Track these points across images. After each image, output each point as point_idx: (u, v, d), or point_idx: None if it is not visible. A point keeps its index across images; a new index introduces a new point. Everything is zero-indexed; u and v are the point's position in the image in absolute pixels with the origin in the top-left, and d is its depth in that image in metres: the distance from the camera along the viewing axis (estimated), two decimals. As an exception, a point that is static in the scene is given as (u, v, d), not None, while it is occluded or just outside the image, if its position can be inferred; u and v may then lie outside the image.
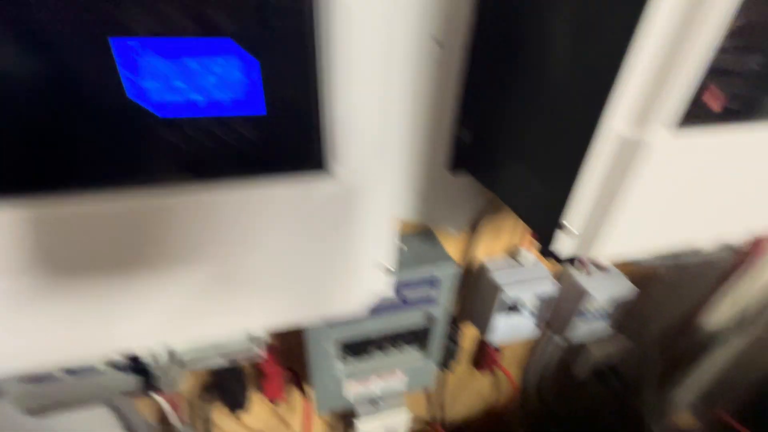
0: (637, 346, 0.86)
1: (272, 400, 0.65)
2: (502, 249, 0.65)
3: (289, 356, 0.63)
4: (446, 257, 0.51)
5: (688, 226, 0.37)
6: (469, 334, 0.77)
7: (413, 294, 0.50)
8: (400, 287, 0.49)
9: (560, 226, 0.36)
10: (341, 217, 0.27)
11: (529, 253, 0.63)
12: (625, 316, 0.78)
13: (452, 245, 0.61)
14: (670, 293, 0.83)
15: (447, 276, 0.50)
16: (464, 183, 0.53)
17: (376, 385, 0.62)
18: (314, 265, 0.29)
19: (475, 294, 0.66)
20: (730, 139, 0.31)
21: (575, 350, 0.88)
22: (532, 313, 0.66)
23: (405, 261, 0.50)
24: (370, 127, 0.25)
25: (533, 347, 0.85)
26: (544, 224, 0.38)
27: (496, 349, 0.76)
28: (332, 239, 0.28)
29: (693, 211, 0.35)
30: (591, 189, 0.33)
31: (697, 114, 0.29)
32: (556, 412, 0.98)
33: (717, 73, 0.27)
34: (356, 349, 0.57)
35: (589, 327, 0.72)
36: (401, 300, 0.51)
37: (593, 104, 0.29)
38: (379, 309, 0.50)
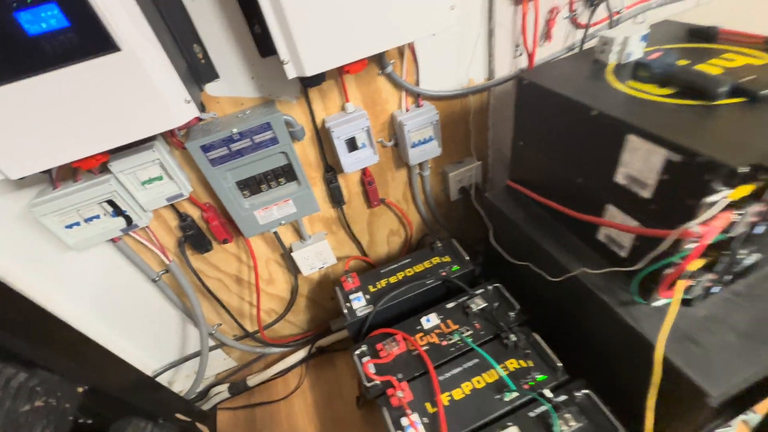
0: (483, 164, 1.16)
1: (222, 241, 1.03)
2: (337, 107, 0.95)
3: (224, 210, 0.99)
4: (275, 111, 0.83)
5: (335, 46, 0.66)
6: (352, 179, 1.10)
7: (260, 138, 0.83)
8: (249, 135, 0.82)
9: (282, 62, 0.67)
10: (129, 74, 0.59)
11: (351, 104, 0.93)
12: (453, 140, 1.08)
13: (297, 110, 0.92)
14: (494, 118, 1.11)
15: (276, 120, 0.82)
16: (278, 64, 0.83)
17: (276, 212, 0.97)
18: (130, 101, 0.61)
19: (327, 143, 0.98)
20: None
21: (443, 177, 1.20)
22: (367, 144, 0.98)
23: (249, 119, 0.82)
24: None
25: (408, 182, 1.18)
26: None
27: (370, 183, 1.09)
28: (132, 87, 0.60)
29: (331, 32, 0.64)
30: (278, 38, 0.63)
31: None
32: (449, 229, 1.33)
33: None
34: (251, 188, 0.92)
35: (422, 149, 1.04)
36: (255, 144, 0.84)
37: None
38: (243, 152, 0.84)
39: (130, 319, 1.12)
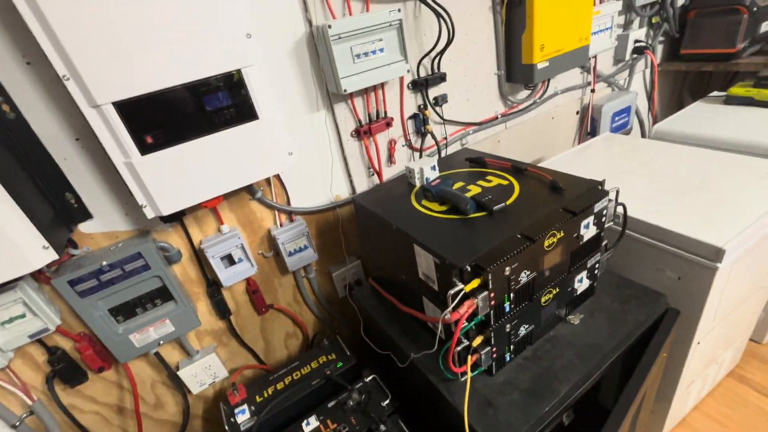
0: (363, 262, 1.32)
1: (98, 370, 1.01)
2: (213, 229, 1.07)
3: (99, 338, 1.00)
4: (147, 241, 0.93)
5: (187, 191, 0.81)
6: (237, 290, 1.18)
7: (131, 266, 0.91)
8: (119, 265, 0.90)
9: (141, 206, 0.80)
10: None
11: (226, 226, 1.07)
12: (325, 246, 1.24)
13: (174, 236, 1.02)
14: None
15: (147, 249, 0.92)
16: (152, 200, 0.95)
17: (154, 333, 1.00)
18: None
19: (207, 261, 1.07)
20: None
21: (328, 276, 1.33)
22: (244, 259, 1.09)
23: (120, 251, 0.91)
24: None
25: (296, 285, 1.28)
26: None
27: (254, 291, 1.17)
28: None
29: (182, 181, 0.80)
30: (134, 190, 0.76)
31: (144, 146, 0.74)
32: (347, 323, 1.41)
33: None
34: (124, 313, 0.96)
35: (300, 256, 1.17)
36: (126, 272, 0.91)
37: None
38: (114, 281, 0.90)
39: (-21, 479, 0.99)
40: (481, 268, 0.63)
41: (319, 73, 1.06)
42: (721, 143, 1.26)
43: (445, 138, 1.35)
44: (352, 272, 1.33)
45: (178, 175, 0.79)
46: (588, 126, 1.74)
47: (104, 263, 0.88)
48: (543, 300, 0.76)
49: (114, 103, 0.70)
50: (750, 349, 1.43)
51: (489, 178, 0.90)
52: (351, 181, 1.24)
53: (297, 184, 1.15)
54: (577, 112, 1.73)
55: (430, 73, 1.23)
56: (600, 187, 0.78)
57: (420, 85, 1.21)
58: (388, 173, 1.28)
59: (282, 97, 1.04)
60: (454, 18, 1.20)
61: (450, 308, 0.63)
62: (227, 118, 0.80)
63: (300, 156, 1.12)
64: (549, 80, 1.52)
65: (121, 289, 0.93)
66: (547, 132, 1.65)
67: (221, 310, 1.15)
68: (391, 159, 1.27)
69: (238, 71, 0.78)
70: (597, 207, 0.75)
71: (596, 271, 0.85)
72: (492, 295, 0.65)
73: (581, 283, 0.82)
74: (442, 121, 1.32)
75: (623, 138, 1.36)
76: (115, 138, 0.72)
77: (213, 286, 1.12)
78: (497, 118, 1.45)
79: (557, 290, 0.78)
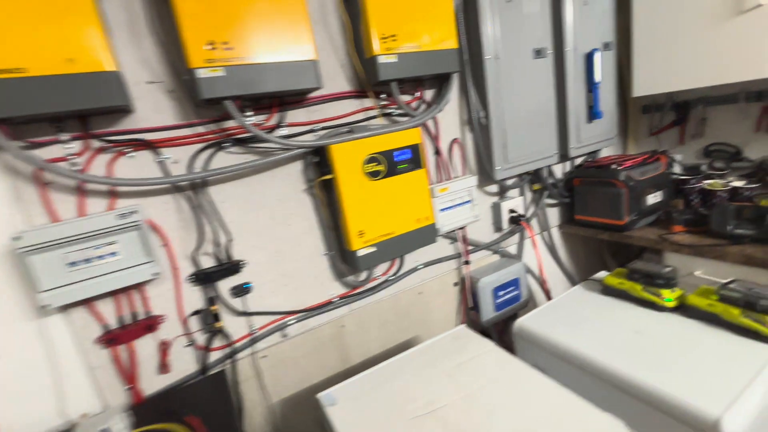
0: None
1: None
2: None
3: None
4: None
5: None
6: None
7: None
8: None
9: None
10: None
11: None
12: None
13: None
14: None
15: None
16: None
17: None
18: None
19: None
20: None
21: None
22: None
23: None
24: None
25: None
26: None
27: None
28: None
29: None
30: None
31: None
32: None
33: None
34: None
35: None
36: None
37: None
38: None
39: None
40: None
41: (39, 277, 0.88)
42: (574, 360, 0.98)
43: (251, 333, 1.11)
44: None
45: None
46: (470, 300, 1.50)
47: None
48: None
49: None
50: None
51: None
52: (103, 397, 0.97)
53: (9, 410, 0.89)
54: (456, 284, 1.51)
55: (217, 263, 1.05)
56: None
57: (203, 279, 1.02)
58: (163, 382, 1.01)
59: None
60: (253, 203, 1.08)
61: None
62: None
63: (13, 375, 0.88)
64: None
65: None
66: (415, 308, 1.41)
67: None
68: (164, 366, 1.01)
69: None
70: None
71: None
72: None
73: None
74: (241, 314, 1.10)
75: (470, 340, 1.09)
76: None
77: None
78: (332, 301, 1.24)
79: None
